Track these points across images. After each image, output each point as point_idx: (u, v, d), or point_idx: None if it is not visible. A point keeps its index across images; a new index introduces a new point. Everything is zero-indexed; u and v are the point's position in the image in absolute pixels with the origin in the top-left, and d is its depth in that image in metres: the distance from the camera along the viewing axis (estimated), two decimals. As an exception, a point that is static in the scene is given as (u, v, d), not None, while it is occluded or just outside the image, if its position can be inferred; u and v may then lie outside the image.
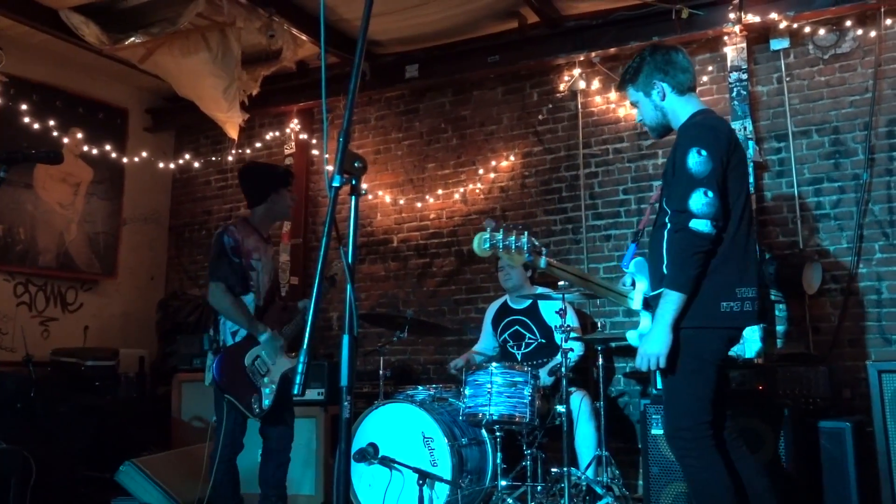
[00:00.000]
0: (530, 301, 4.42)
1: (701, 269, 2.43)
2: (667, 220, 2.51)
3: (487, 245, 2.42)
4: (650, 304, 2.62)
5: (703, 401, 2.47)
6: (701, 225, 2.39)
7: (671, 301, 2.42)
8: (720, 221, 2.43)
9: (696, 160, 2.44)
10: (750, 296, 2.52)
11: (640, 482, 3.29)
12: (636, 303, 2.69)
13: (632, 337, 2.67)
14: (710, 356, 2.51)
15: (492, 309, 4.72)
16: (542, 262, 2.55)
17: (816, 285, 4.32)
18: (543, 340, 4.36)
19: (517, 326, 4.48)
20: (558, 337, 3.79)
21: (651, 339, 2.46)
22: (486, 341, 4.71)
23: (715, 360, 2.52)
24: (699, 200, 2.40)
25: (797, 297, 4.40)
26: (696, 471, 2.49)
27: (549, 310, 4.32)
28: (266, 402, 3.46)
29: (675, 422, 2.52)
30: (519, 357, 4.37)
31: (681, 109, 2.68)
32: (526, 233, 2.49)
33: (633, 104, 2.80)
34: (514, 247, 2.45)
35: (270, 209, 3.68)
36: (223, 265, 3.46)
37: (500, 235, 2.43)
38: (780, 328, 4.45)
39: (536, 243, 2.53)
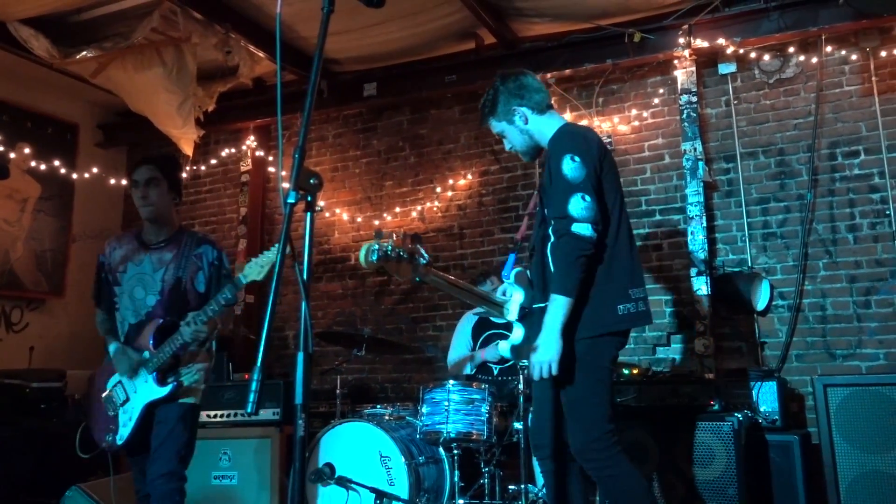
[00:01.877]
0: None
1: (585, 273, 2.43)
2: (549, 230, 2.52)
3: (375, 257, 2.25)
4: (527, 315, 2.64)
5: (607, 408, 2.48)
6: (582, 228, 2.40)
7: (559, 306, 2.40)
8: (599, 225, 2.45)
9: (570, 166, 2.47)
10: (641, 296, 2.56)
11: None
12: (512, 314, 2.68)
13: (503, 349, 2.69)
14: (609, 363, 2.53)
15: (468, 321, 4.58)
16: (428, 276, 2.45)
17: (765, 302, 4.45)
18: (525, 363, 4.22)
19: (499, 341, 4.39)
20: None
21: (542, 346, 2.42)
22: (459, 354, 4.55)
23: (612, 365, 2.57)
24: (578, 205, 2.42)
25: (746, 314, 4.52)
26: (617, 481, 2.45)
27: None
28: (119, 437, 3.02)
29: (584, 435, 2.47)
30: (495, 372, 4.34)
31: (545, 127, 2.70)
32: (418, 245, 2.37)
33: (500, 135, 2.81)
34: (403, 259, 2.31)
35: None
36: (92, 286, 3.27)
37: (388, 246, 2.27)
38: (728, 344, 4.57)
39: (426, 255, 2.41)
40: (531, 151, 2.78)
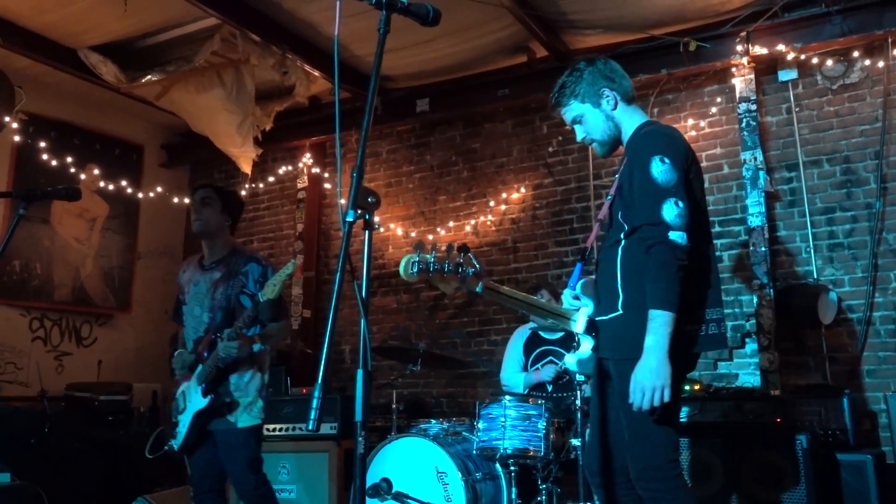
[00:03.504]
0: (564, 332, 4.29)
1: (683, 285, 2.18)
2: (621, 235, 2.34)
3: (416, 269, 2.13)
4: (595, 327, 2.44)
5: (673, 435, 2.27)
6: (678, 236, 2.15)
7: (664, 323, 2.12)
8: (691, 234, 2.19)
9: (660, 169, 2.23)
10: (717, 317, 2.32)
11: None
12: (579, 325, 2.47)
13: (570, 361, 2.50)
14: (677, 386, 2.25)
15: (520, 336, 4.53)
16: (479, 286, 2.28)
17: (832, 315, 4.28)
18: (581, 378, 3.89)
19: (552, 357, 4.34)
20: None
21: (649, 370, 2.13)
22: (513, 371, 4.50)
23: (680, 388, 2.29)
24: (671, 211, 2.17)
25: (813, 328, 4.35)
26: None
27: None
28: (175, 441, 3.22)
29: (646, 460, 2.23)
30: (549, 389, 4.30)
31: (629, 119, 2.47)
32: (464, 254, 2.23)
33: (576, 121, 2.54)
34: (446, 271, 2.18)
35: None
36: (174, 305, 3.53)
37: (431, 258, 2.14)
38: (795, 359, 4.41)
39: (478, 265, 2.28)
40: (611, 142, 2.51)
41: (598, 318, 2.43)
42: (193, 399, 3.19)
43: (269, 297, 2.97)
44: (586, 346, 2.45)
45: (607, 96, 2.46)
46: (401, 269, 2.14)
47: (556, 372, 4.12)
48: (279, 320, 3.30)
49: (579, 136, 2.57)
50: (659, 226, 2.18)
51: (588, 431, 2.65)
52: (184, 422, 3.20)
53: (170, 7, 4.45)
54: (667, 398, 2.14)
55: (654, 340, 2.14)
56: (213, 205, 3.35)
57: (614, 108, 2.46)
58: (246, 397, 3.18)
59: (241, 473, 3.14)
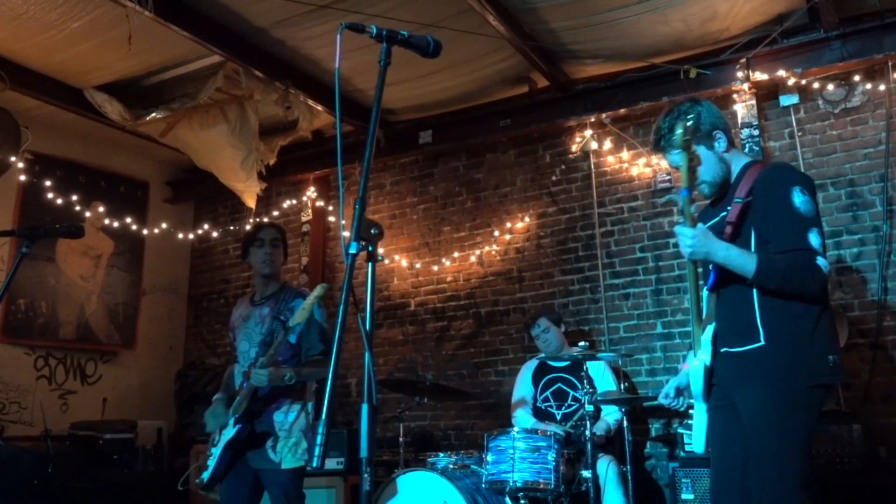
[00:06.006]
0: (570, 361, 4.30)
1: (796, 300, 2.23)
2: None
3: None
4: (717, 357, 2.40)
5: (807, 469, 2.20)
6: (824, 264, 2.19)
7: (744, 264, 2.21)
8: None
9: (801, 199, 2.27)
10: (840, 347, 2.36)
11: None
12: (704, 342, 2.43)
13: (690, 359, 2.44)
14: (816, 418, 2.24)
15: (529, 367, 4.59)
16: None
17: (843, 340, 4.23)
18: (590, 408, 3.77)
19: (560, 384, 4.34)
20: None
21: (703, 244, 2.23)
22: (523, 401, 4.50)
23: (817, 422, 2.26)
24: (816, 239, 2.22)
25: (824, 353, 4.29)
26: None
27: (596, 369, 4.25)
28: (205, 473, 3.19)
29: (783, 492, 2.15)
30: (558, 417, 4.25)
31: (737, 160, 2.49)
32: None
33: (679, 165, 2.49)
34: None
35: (254, 269, 3.47)
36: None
37: None
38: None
39: None
40: (719, 183, 2.48)
41: (729, 350, 2.36)
42: (227, 431, 3.17)
43: (298, 322, 2.97)
44: (702, 356, 2.40)
45: (720, 138, 2.47)
46: None
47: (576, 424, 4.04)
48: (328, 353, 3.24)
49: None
50: (808, 251, 2.21)
51: (713, 475, 2.47)
52: (215, 454, 3.18)
53: (174, 45, 4.50)
54: (688, 254, 2.24)
55: (727, 252, 2.24)
56: (281, 246, 3.42)
57: (726, 150, 2.47)
58: (290, 438, 3.15)
59: None
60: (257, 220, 6.41)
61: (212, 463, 3.17)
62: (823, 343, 2.24)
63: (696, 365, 2.39)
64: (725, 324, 2.38)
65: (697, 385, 2.38)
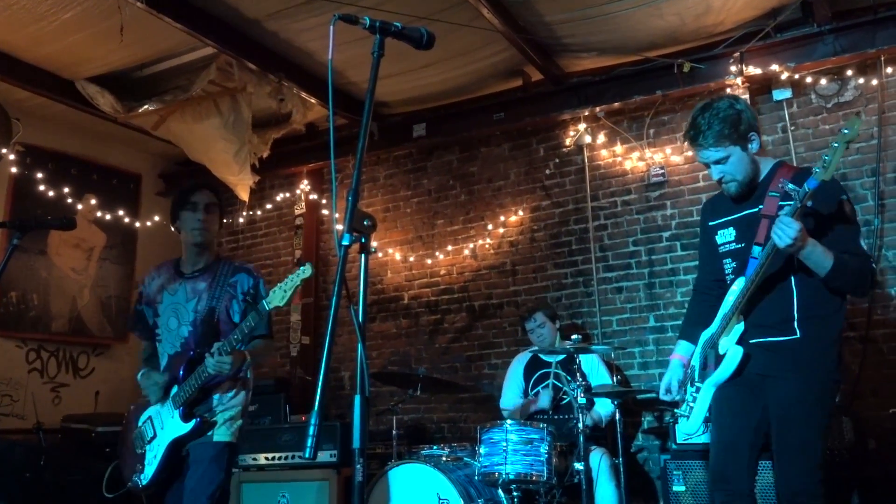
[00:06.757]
0: (564, 355, 4.30)
1: (829, 301, 2.44)
2: (796, 262, 2.44)
3: None
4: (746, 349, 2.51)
5: (826, 458, 2.43)
6: (874, 267, 2.50)
7: (823, 261, 2.31)
8: None
9: (850, 208, 2.45)
10: None
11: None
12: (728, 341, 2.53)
13: (725, 345, 2.52)
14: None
15: (520, 361, 4.59)
16: None
17: (834, 333, 4.26)
18: (583, 401, 3.76)
19: (552, 379, 4.37)
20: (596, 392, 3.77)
21: (805, 238, 2.28)
22: (513, 395, 4.53)
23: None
24: (864, 245, 2.47)
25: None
26: None
27: (589, 362, 4.27)
28: (143, 476, 2.86)
29: (807, 477, 2.35)
30: (550, 411, 4.26)
31: (764, 160, 2.59)
32: None
33: (718, 161, 2.53)
34: None
35: (183, 237, 3.08)
36: (129, 315, 3.11)
37: None
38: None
39: None
40: (749, 183, 2.55)
41: (762, 340, 2.49)
42: (169, 424, 2.83)
43: (278, 305, 2.66)
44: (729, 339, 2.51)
45: (754, 139, 2.53)
46: None
47: (552, 398, 4.09)
48: (271, 336, 3.01)
49: (716, 174, 2.58)
50: (864, 257, 2.42)
51: (713, 439, 2.60)
52: (154, 452, 2.84)
53: (166, 37, 4.48)
54: (783, 244, 2.27)
55: (813, 248, 2.29)
56: (217, 212, 3.07)
57: (758, 153, 2.56)
58: (228, 412, 2.86)
59: (200, 497, 2.71)
60: (251, 213, 6.39)
61: (153, 462, 2.84)
62: (840, 342, 2.46)
63: (733, 351, 2.49)
64: (759, 315, 2.50)
65: (729, 369, 2.48)
